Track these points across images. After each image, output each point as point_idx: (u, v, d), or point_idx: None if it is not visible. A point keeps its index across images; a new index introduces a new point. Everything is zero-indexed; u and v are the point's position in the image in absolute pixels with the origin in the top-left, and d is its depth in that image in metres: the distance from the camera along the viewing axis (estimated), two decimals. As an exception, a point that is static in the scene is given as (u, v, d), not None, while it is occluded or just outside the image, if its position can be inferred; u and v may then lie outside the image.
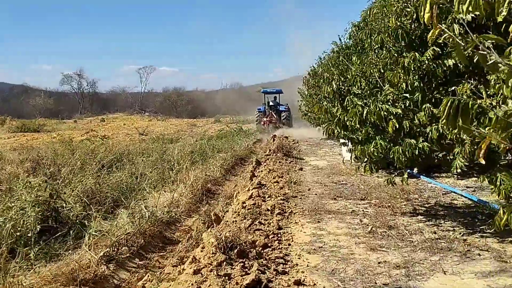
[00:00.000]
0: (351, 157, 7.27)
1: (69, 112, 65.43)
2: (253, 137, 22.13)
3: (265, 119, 27.49)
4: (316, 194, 8.05)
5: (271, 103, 29.02)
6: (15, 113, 55.90)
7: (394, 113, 5.25)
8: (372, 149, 5.52)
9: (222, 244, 4.22)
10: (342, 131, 6.31)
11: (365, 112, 5.38)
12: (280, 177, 9.12)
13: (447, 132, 4.75)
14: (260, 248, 4.67)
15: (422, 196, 7.78)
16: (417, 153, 5.15)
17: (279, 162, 11.52)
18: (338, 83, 6.65)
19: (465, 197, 7.52)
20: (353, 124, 5.84)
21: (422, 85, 5.28)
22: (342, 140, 9.27)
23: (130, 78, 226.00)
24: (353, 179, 9.67)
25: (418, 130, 5.36)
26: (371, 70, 6.38)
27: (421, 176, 9.36)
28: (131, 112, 64.41)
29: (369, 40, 6.17)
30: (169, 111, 66.52)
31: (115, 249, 4.63)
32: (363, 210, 6.83)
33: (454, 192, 7.91)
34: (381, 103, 5.45)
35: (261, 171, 9.65)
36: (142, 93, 75.01)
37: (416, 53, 5.03)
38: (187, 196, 7.19)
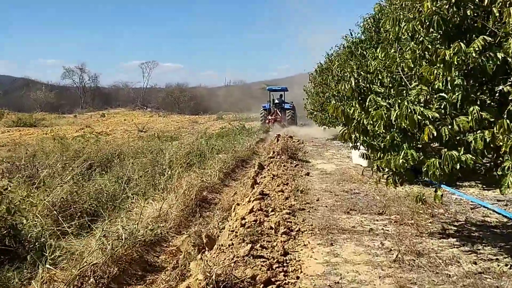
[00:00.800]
0: (373, 167, 6.25)
1: (70, 106, 64.59)
2: (255, 136, 21.13)
3: (270, 117, 27.19)
4: (326, 206, 7.06)
5: (276, 101, 28.60)
6: (16, 106, 55.04)
7: (431, 117, 4.24)
8: (401, 161, 4.51)
9: (212, 284, 3.25)
10: (362, 137, 5.31)
11: (393, 116, 4.38)
12: (285, 184, 8.14)
13: (502, 143, 3.77)
14: (262, 285, 3.70)
15: (448, 211, 6.78)
16: (458, 167, 4.14)
17: (284, 165, 10.53)
18: (357, 79, 5.61)
19: (499, 214, 6.52)
20: (376, 128, 4.85)
21: (465, 83, 4.27)
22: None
23: (133, 73, 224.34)
24: (366, 188, 8.67)
25: (457, 138, 4.36)
26: (397, 65, 5.39)
27: (443, 186, 8.36)
28: (133, 107, 63.46)
29: (396, 29, 5.14)
30: (171, 107, 65.56)
31: (79, 283, 3.66)
32: (382, 229, 5.84)
33: (485, 207, 6.92)
34: (411, 104, 4.45)
35: (264, 176, 8.68)
36: (144, 88, 74.12)
37: (462, 44, 4.02)
38: (177, 207, 6.20)
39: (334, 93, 14.19)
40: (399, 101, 4.60)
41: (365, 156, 6.65)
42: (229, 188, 9.08)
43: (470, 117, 3.99)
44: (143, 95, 71.16)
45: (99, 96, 70.05)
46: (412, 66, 4.94)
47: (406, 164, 4.50)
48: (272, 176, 8.55)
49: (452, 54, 4.04)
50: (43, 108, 57.15)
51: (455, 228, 5.86)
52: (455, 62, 4.04)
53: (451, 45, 4.16)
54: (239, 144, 17.27)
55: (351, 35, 13.59)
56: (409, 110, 4.28)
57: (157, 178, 7.98)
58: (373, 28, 10.09)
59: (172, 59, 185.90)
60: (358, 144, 6.06)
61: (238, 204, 6.59)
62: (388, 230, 5.77)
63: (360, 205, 7.19)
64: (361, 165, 11.55)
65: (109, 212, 5.67)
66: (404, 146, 4.77)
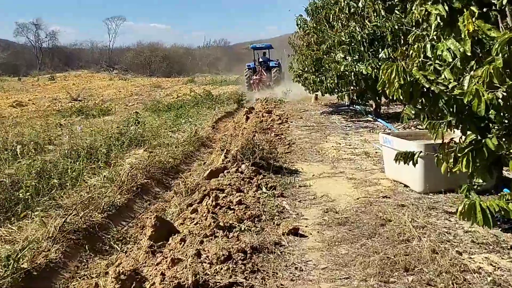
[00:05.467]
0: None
1: (27, 67, 57.17)
2: (219, 110, 14.82)
3: (254, 77, 24.11)
4: None
5: (261, 59, 25.99)
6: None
7: None
8: None
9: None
10: None
11: None
12: None
13: None
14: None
15: None
16: None
17: (238, 201, 4.35)
18: None
19: None
20: None
21: None
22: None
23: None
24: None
25: None
26: None
27: None
28: (97, 69, 56.17)
29: None
30: (142, 69, 58.48)
31: None
32: None
33: None
34: None
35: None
36: (111, 47, 66.19)
37: None
38: None
39: (343, 38, 7.85)
40: None
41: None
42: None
43: None
44: (109, 55, 63.38)
45: (59, 56, 61.93)
46: None
47: None
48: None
49: None
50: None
51: None
52: None
53: None
54: (188, 125, 11.07)
55: None
56: None
57: None
58: None
59: (160, 19, 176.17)
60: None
61: None
62: None
63: None
64: (407, 186, 5.47)
65: None
66: None
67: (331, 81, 10.18)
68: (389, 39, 6.78)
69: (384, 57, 6.89)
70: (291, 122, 11.82)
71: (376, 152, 7.79)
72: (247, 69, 25.69)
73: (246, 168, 5.67)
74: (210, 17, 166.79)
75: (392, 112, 13.50)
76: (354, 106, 14.25)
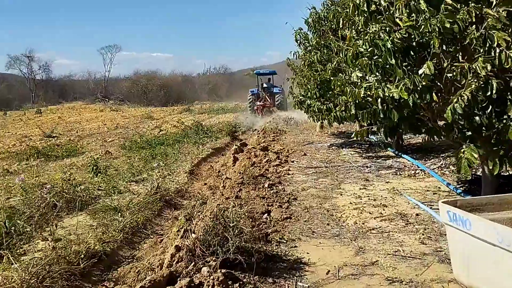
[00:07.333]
0: None
1: (20, 101, 55.31)
2: (207, 145, 12.37)
3: (258, 103, 24.35)
4: None
5: (264, 85, 25.91)
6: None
7: None
8: None
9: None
10: None
11: None
12: None
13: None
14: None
15: None
16: None
17: None
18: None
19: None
20: None
21: None
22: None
23: (119, 65, 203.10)
24: None
25: None
26: None
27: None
28: (92, 100, 54.25)
29: None
30: (139, 98, 56.45)
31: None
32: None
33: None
34: None
35: None
36: (106, 77, 64.32)
37: None
38: None
39: (361, 49, 5.39)
40: None
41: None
42: None
43: None
44: (105, 86, 61.48)
45: (52, 88, 60.00)
46: None
47: None
48: None
49: None
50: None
51: None
52: None
53: None
54: (160, 169, 8.66)
55: None
56: None
57: None
58: None
59: (162, 49, 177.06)
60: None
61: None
62: None
63: None
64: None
65: None
66: None
67: (342, 109, 7.75)
68: (436, 45, 4.36)
69: (428, 73, 4.45)
70: (293, 161, 9.33)
71: (417, 214, 5.28)
72: (250, 95, 25.32)
73: (209, 275, 3.17)
74: (210, 45, 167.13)
75: (415, 143, 11.02)
76: (369, 136, 11.77)
